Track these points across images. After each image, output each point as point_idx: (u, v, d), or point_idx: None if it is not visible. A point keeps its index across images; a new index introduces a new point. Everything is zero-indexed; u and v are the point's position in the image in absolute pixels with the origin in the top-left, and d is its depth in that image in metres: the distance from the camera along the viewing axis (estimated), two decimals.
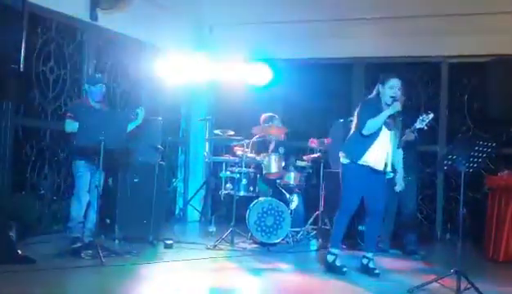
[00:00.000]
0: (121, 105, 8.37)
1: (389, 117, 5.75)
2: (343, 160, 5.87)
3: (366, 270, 5.94)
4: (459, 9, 8.26)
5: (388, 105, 5.75)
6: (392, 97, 5.73)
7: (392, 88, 5.74)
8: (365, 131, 5.69)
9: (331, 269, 5.89)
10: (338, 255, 5.94)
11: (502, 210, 6.86)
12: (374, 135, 5.73)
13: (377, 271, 5.90)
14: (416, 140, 6.83)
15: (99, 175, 6.31)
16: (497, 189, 6.97)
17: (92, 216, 6.40)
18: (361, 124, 5.71)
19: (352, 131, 5.92)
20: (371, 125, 5.68)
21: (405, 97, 7.27)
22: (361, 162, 5.76)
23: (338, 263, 5.90)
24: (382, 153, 5.80)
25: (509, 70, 7.85)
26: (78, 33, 7.78)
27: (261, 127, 7.75)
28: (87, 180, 6.45)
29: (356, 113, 5.87)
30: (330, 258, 5.94)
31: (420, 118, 6.52)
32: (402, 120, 6.90)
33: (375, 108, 5.76)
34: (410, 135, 6.71)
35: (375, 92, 5.90)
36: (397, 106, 5.71)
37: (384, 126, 5.78)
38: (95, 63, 7.98)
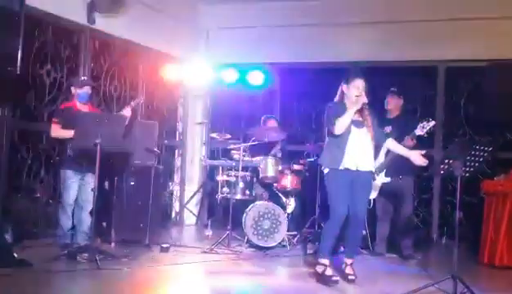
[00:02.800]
0: (117, 109, 8.35)
1: (357, 113, 5.66)
2: (324, 169, 5.75)
3: (343, 275, 5.79)
4: (456, 13, 8.29)
5: (362, 109, 5.69)
6: (356, 96, 5.62)
7: (357, 88, 5.64)
8: (336, 130, 5.56)
9: (322, 281, 5.66)
10: (327, 265, 5.73)
11: (498, 214, 6.86)
12: (345, 137, 5.61)
13: (351, 277, 5.74)
14: (416, 147, 6.82)
15: (94, 178, 6.29)
16: (494, 194, 6.97)
17: (86, 219, 6.39)
18: (331, 124, 5.61)
19: (326, 140, 5.84)
20: (340, 123, 5.55)
21: (403, 101, 7.32)
22: (341, 167, 5.63)
23: (328, 273, 5.70)
24: (359, 152, 5.66)
25: (506, 75, 7.87)
26: (75, 37, 7.78)
27: (258, 129, 7.78)
28: (74, 192, 6.46)
29: (324, 119, 5.78)
30: (319, 269, 5.75)
31: (421, 124, 6.52)
32: (402, 125, 6.93)
33: (340, 109, 5.67)
34: (408, 142, 6.72)
35: (338, 95, 5.80)
36: (362, 100, 5.59)
37: (353, 126, 5.65)
38: (92, 66, 7.99)
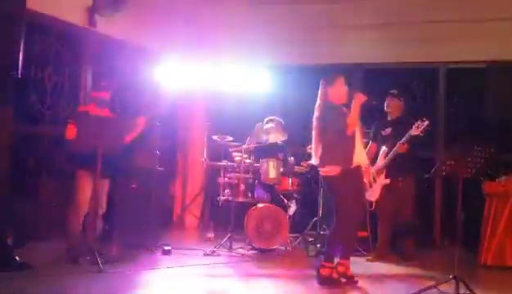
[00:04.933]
0: (120, 111, 8.35)
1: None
2: (330, 172, 5.66)
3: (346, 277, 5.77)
4: (457, 15, 8.29)
5: (344, 105, 5.73)
6: (344, 94, 5.73)
7: (342, 85, 5.76)
8: (349, 130, 5.60)
9: (327, 283, 5.65)
10: (333, 268, 5.70)
11: (498, 215, 6.87)
12: (353, 135, 5.67)
13: (356, 279, 5.76)
14: (409, 151, 6.82)
15: (104, 181, 6.31)
16: (495, 195, 6.97)
17: (98, 223, 6.42)
18: (342, 126, 5.60)
19: (328, 141, 5.70)
20: (352, 121, 5.60)
21: (403, 103, 7.32)
22: (353, 165, 5.66)
23: (334, 275, 5.69)
24: (361, 150, 5.81)
25: (506, 76, 7.88)
26: (76, 40, 7.79)
27: (257, 133, 7.78)
28: (87, 194, 6.43)
29: (323, 122, 5.71)
30: (324, 271, 5.69)
31: (415, 124, 6.57)
32: (402, 127, 6.93)
33: (339, 109, 5.73)
34: (401, 147, 6.75)
35: (322, 98, 5.79)
36: (361, 95, 5.66)
37: None
38: (93, 69, 8.00)
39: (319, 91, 5.84)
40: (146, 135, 7.17)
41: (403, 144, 6.69)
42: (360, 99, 5.66)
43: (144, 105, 8.21)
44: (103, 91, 6.60)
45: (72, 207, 6.47)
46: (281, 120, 8.11)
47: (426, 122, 6.54)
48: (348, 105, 5.74)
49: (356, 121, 5.63)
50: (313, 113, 5.82)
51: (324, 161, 5.73)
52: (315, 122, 5.78)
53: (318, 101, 5.82)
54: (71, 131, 6.38)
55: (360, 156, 5.76)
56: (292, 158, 7.96)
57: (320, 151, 5.74)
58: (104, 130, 6.06)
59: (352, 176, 5.68)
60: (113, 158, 6.29)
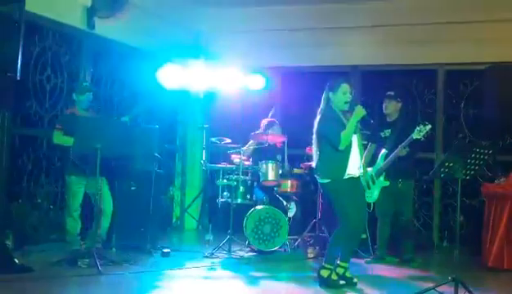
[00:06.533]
0: (118, 114, 8.35)
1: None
2: (324, 179, 5.68)
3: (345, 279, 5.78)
4: (455, 17, 8.30)
5: (346, 111, 5.70)
6: (346, 102, 5.65)
7: (345, 93, 5.66)
8: (342, 146, 5.54)
9: (327, 284, 5.66)
10: (332, 269, 5.72)
11: (497, 217, 6.87)
12: (349, 146, 5.60)
13: (355, 280, 5.78)
14: (409, 154, 6.83)
15: (100, 182, 6.31)
16: (493, 197, 6.97)
17: (104, 224, 6.45)
18: (334, 140, 5.56)
19: (321, 149, 5.70)
20: (346, 138, 5.53)
21: (401, 104, 7.31)
22: (346, 177, 5.61)
23: (334, 277, 5.71)
24: (357, 159, 5.72)
25: (505, 77, 7.87)
26: (75, 42, 7.78)
27: (258, 134, 7.78)
28: (79, 199, 6.48)
29: (319, 130, 5.71)
30: (324, 273, 5.71)
31: (418, 128, 6.55)
32: (401, 129, 6.94)
33: (337, 119, 5.67)
34: (402, 151, 6.75)
35: (324, 102, 5.78)
36: (362, 110, 5.59)
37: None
38: (92, 71, 7.99)
39: (323, 96, 5.81)
40: (146, 137, 7.18)
41: (404, 148, 6.69)
42: (359, 113, 5.60)
43: (135, 105, 8.22)
44: (86, 92, 6.60)
45: (66, 213, 6.50)
46: (278, 122, 8.12)
47: (429, 126, 6.53)
48: (349, 113, 5.70)
49: (350, 136, 5.57)
50: (313, 116, 5.83)
51: (317, 169, 5.76)
52: (315, 127, 5.78)
53: (320, 106, 5.81)
54: (58, 137, 6.40)
55: (355, 166, 5.69)
56: (279, 155, 7.96)
57: (316, 157, 5.76)
58: (101, 130, 6.07)
59: (348, 186, 5.63)
60: (108, 158, 6.30)
